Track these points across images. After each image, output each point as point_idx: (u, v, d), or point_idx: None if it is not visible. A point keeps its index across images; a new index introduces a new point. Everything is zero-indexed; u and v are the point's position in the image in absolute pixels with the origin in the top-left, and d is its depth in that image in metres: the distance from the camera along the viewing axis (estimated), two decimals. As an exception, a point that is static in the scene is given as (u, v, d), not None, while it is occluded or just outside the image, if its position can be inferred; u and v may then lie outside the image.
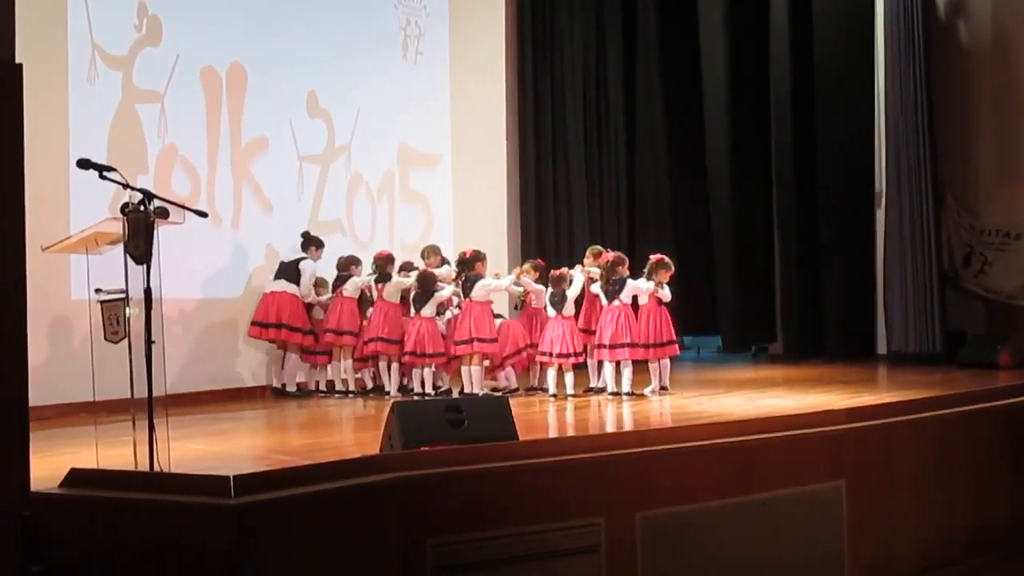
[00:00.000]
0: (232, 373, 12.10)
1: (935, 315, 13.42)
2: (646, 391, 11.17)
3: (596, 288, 11.35)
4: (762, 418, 8.35)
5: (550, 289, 11.35)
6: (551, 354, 11.19)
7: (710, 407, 10.18)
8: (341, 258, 12.18)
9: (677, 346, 11.72)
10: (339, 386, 11.92)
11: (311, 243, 12.30)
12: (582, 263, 11.83)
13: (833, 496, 7.72)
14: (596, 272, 11.44)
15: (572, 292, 11.27)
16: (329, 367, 12.12)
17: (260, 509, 5.38)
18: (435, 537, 6.01)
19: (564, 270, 11.54)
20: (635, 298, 11.23)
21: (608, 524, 6.60)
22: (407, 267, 12.16)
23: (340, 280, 12.00)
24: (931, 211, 13.50)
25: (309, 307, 12.18)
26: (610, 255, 11.43)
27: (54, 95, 10.58)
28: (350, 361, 11.91)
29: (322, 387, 12.11)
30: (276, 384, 12.14)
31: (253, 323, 11.98)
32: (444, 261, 12.31)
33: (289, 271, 12.11)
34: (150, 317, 6.34)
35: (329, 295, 12.04)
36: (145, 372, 6.34)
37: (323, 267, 12.36)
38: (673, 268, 11.32)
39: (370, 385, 12.15)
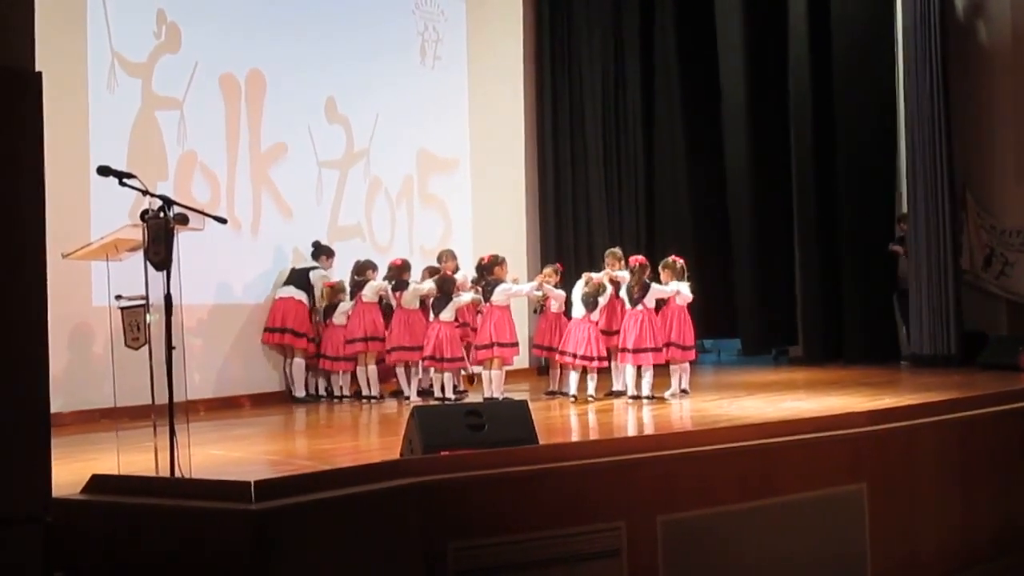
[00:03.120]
0: (252, 378, 12.12)
1: (953, 317, 13.36)
2: (666, 394, 11.16)
3: (622, 292, 11.35)
4: (783, 421, 8.32)
5: (584, 289, 11.31)
6: (576, 356, 11.17)
7: (730, 410, 10.16)
8: (357, 263, 12.21)
9: (695, 352, 11.75)
10: (364, 391, 11.92)
11: (322, 252, 12.43)
12: (612, 268, 11.69)
13: (855, 499, 7.70)
14: (621, 275, 11.41)
15: (604, 299, 11.27)
16: (339, 373, 12.15)
17: (281, 514, 5.38)
18: (456, 541, 6.01)
19: (602, 279, 11.42)
20: (657, 301, 11.25)
21: (629, 528, 6.59)
22: (432, 271, 12.21)
23: (357, 286, 12.00)
24: (949, 212, 13.44)
25: (313, 314, 12.25)
26: (638, 259, 11.39)
27: (74, 103, 10.64)
28: (374, 366, 11.92)
29: (347, 392, 12.10)
30: (298, 392, 12.13)
31: (264, 329, 12.15)
32: (457, 267, 12.35)
33: (299, 279, 12.22)
34: (170, 323, 6.35)
35: (349, 302, 12.03)
36: (165, 378, 6.36)
37: (339, 272, 12.42)
38: (678, 267, 11.38)
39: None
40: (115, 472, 6.54)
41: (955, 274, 13.48)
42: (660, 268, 11.44)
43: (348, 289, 12.16)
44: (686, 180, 15.82)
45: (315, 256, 12.42)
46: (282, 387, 12.31)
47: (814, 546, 7.44)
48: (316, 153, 13.02)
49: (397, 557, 5.79)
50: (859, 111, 14.55)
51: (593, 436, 9.39)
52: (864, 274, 14.47)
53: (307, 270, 12.30)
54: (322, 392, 12.26)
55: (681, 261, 11.49)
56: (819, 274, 14.87)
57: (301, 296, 12.14)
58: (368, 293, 11.92)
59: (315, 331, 12.24)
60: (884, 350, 14.40)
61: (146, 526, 5.62)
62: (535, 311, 12.61)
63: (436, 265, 12.47)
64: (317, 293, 12.21)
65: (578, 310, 11.33)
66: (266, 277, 12.37)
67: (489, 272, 11.62)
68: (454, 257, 12.49)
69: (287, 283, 12.25)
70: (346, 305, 12.01)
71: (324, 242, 12.65)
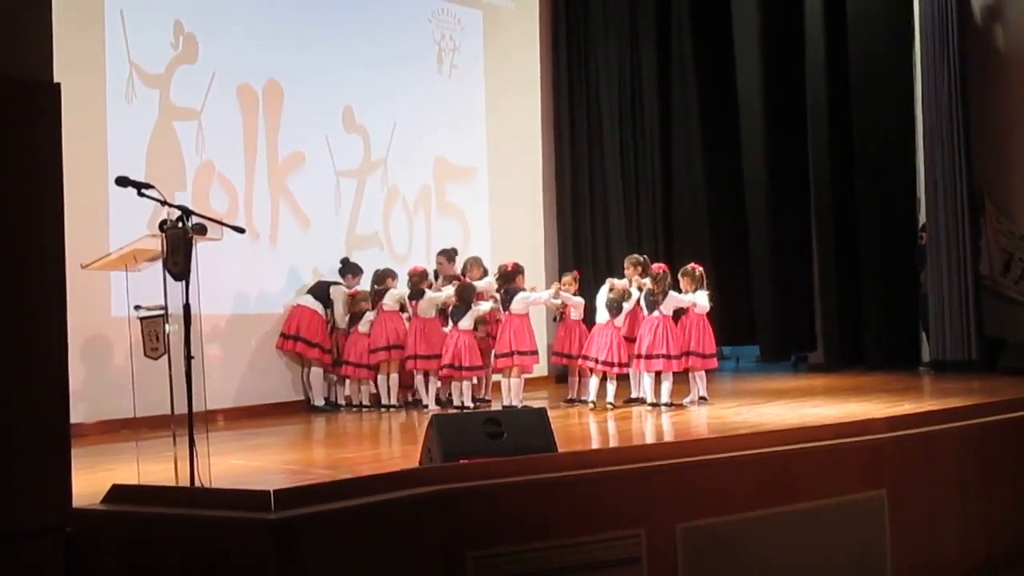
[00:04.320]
0: (271, 388, 12.13)
1: (973, 322, 13.31)
2: (685, 401, 11.15)
3: (641, 299, 11.31)
4: (802, 428, 8.28)
5: (608, 295, 11.29)
6: (597, 360, 11.15)
7: (750, 417, 10.13)
8: (377, 271, 12.20)
9: (716, 360, 11.72)
10: (384, 400, 11.92)
11: (349, 270, 12.43)
12: (637, 275, 11.61)
13: (875, 505, 7.67)
14: (644, 281, 11.37)
15: (628, 305, 11.24)
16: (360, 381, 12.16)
17: (300, 523, 5.38)
18: (475, 550, 6.00)
19: (625, 285, 11.40)
20: (676, 309, 11.22)
21: (649, 535, 6.58)
22: (451, 279, 12.21)
23: (378, 295, 12.00)
24: (968, 218, 13.39)
25: (333, 326, 12.26)
26: (660, 267, 11.37)
27: (92, 114, 10.67)
28: (396, 375, 11.93)
29: (366, 401, 12.10)
30: (317, 401, 12.15)
31: (280, 334, 12.16)
32: (485, 273, 12.34)
33: (320, 291, 12.24)
34: (189, 333, 6.37)
35: (373, 311, 12.02)
36: (185, 388, 6.37)
37: (361, 283, 12.41)
38: (697, 274, 11.38)
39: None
40: (135, 482, 6.54)
41: (975, 279, 13.41)
42: (679, 276, 11.43)
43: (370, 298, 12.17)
44: (704, 187, 15.77)
45: (342, 273, 12.44)
46: (301, 396, 12.32)
47: (834, 553, 7.42)
48: (334, 162, 13.04)
49: (416, 565, 5.79)
50: (877, 117, 14.49)
51: (612, 444, 9.37)
52: (883, 279, 14.41)
53: (329, 284, 12.31)
54: (341, 401, 12.26)
55: (700, 269, 11.49)
56: (838, 279, 14.81)
57: (317, 306, 12.14)
58: (389, 302, 11.92)
59: (331, 342, 12.23)
60: (904, 356, 14.35)
61: (166, 536, 5.62)
62: (554, 319, 12.60)
63: (455, 273, 12.47)
64: (337, 308, 12.20)
65: (601, 315, 11.30)
66: (284, 287, 12.38)
67: (511, 280, 11.61)
68: (480, 265, 12.48)
69: (308, 292, 12.27)
70: (372, 314, 12.01)
71: (343, 252, 12.70)
